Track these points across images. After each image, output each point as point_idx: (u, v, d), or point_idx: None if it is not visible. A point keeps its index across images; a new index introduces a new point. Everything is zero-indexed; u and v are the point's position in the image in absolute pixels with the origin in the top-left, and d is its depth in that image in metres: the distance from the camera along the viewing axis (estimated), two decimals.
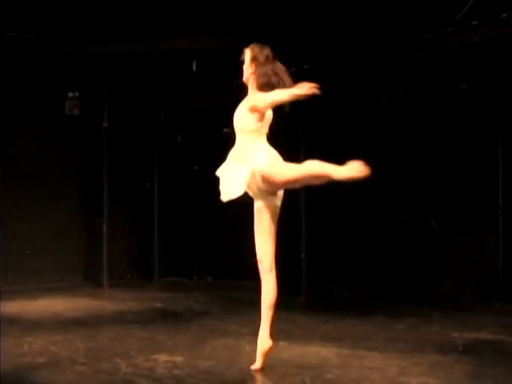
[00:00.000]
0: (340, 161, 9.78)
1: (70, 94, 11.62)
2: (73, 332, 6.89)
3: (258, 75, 5.35)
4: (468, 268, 9.09)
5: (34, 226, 11.34)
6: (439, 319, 7.69)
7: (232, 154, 5.32)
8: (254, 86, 5.38)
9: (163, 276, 12.61)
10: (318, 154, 10.38)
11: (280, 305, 8.69)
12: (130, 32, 9.96)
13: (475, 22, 7.89)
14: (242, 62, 5.48)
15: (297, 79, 10.43)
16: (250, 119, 5.23)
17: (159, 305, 9.26)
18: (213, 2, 9.05)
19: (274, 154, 5.26)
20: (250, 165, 5.08)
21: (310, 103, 10.10)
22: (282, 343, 6.20)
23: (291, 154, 10.54)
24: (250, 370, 5.19)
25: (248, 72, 5.42)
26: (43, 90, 11.57)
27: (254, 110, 5.18)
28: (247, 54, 5.46)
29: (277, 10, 9.11)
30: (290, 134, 10.80)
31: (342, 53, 9.44)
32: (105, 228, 11.66)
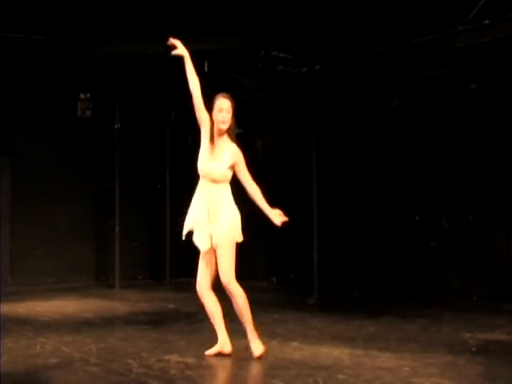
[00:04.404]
0: (351, 161, 9.80)
1: (82, 96, 11.63)
2: (85, 333, 6.90)
3: (232, 127, 5.64)
4: (479, 268, 9.07)
5: (45, 227, 11.38)
6: (450, 319, 7.66)
7: (208, 203, 5.60)
8: (228, 137, 5.65)
9: (175, 277, 12.62)
10: (329, 154, 10.43)
11: (292, 305, 8.67)
12: (141, 33, 9.99)
13: (487, 21, 7.85)
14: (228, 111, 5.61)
15: (307, 80, 10.44)
16: (230, 172, 5.61)
17: (171, 305, 9.27)
18: (224, 3, 9.05)
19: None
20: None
21: (321, 104, 10.17)
22: (294, 343, 6.21)
23: (303, 153, 10.62)
24: (263, 370, 5.18)
25: (229, 123, 5.61)
26: (55, 92, 11.61)
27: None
28: (230, 104, 5.63)
29: (288, 12, 9.10)
30: (301, 133, 10.82)
31: (352, 53, 9.43)
32: (117, 229, 11.66)
